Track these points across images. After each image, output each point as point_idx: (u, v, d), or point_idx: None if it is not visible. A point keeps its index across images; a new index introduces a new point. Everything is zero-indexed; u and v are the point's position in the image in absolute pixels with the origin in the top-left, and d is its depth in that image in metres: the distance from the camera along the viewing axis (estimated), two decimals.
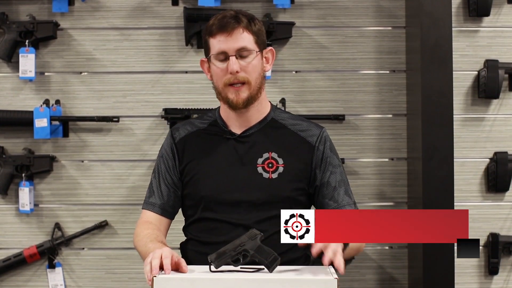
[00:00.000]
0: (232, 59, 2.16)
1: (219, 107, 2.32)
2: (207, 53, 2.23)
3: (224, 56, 2.17)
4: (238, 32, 2.17)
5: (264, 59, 2.24)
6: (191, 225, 2.27)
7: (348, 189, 2.27)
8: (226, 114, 2.26)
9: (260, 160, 2.21)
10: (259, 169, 2.20)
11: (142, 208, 2.33)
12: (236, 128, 2.26)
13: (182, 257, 2.32)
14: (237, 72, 2.16)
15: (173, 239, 2.96)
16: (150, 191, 2.31)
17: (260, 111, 2.26)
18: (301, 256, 2.24)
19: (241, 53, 2.17)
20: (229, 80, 2.17)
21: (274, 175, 2.19)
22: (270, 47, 2.27)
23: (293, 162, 2.22)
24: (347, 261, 3.28)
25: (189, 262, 2.18)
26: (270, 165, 2.21)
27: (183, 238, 2.33)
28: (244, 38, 2.17)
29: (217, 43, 2.18)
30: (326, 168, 2.24)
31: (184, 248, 2.31)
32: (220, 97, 2.22)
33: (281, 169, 2.20)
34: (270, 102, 2.32)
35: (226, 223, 2.19)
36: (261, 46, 2.22)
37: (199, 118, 2.34)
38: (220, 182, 2.20)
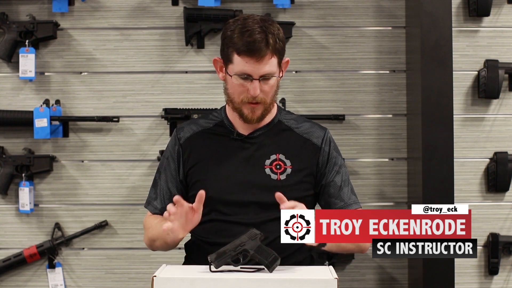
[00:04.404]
0: (255, 83, 2.13)
1: (224, 107, 2.31)
2: (226, 61, 2.18)
3: (247, 77, 2.14)
4: (267, 58, 2.12)
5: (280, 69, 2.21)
6: (198, 226, 2.26)
7: (352, 187, 2.30)
8: (234, 116, 2.26)
9: (267, 162, 2.22)
10: (267, 171, 2.21)
11: (148, 209, 2.33)
12: (243, 129, 2.26)
13: (187, 257, 2.31)
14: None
15: None
16: (154, 192, 2.31)
17: (269, 114, 2.26)
18: (305, 258, 2.24)
19: (264, 77, 2.14)
20: (247, 99, 2.16)
21: (282, 177, 2.20)
22: (287, 59, 2.23)
23: (300, 163, 2.23)
24: (347, 260, 3.30)
25: (194, 263, 2.19)
26: (278, 166, 2.21)
27: (187, 238, 2.32)
28: (271, 64, 2.14)
29: (242, 64, 2.13)
30: (332, 168, 2.26)
31: (189, 249, 2.30)
32: (232, 106, 2.21)
33: (289, 170, 2.21)
34: (276, 103, 2.32)
35: (234, 224, 2.18)
36: (281, 60, 2.19)
37: (204, 118, 2.33)
38: (228, 183, 2.20)
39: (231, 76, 2.16)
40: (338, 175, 2.26)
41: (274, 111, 2.29)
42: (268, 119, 2.27)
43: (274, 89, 2.20)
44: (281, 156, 2.23)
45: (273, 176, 2.20)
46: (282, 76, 2.24)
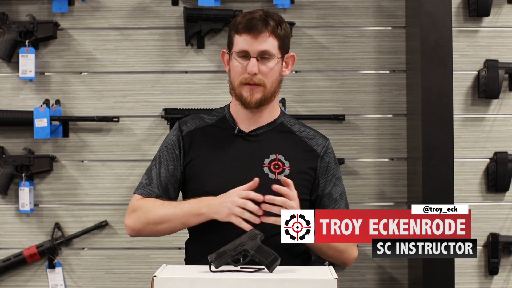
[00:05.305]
0: (253, 60, 2.17)
1: (228, 105, 2.32)
2: (229, 47, 2.24)
3: (246, 55, 2.19)
4: (264, 36, 2.18)
5: (284, 63, 2.25)
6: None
7: (347, 202, 2.32)
8: (236, 111, 2.27)
9: (266, 161, 2.22)
10: (265, 169, 2.21)
11: (136, 193, 2.25)
12: (245, 126, 2.26)
13: (186, 257, 2.31)
14: (255, 74, 2.17)
15: (174, 238, 2.97)
16: (148, 179, 2.26)
17: (271, 113, 2.27)
18: (301, 255, 2.24)
19: (263, 56, 2.18)
20: (245, 79, 2.19)
21: (280, 177, 2.19)
22: (292, 53, 2.28)
23: (299, 166, 2.23)
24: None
25: (193, 263, 2.18)
26: (276, 166, 2.21)
27: (187, 236, 2.31)
28: (269, 43, 2.18)
29: (241, 42, 2.18)
30: (330, 179, 2.27)
31: (188, 248, 2.29)
32: (234, 93, 2.23)
33: (287, 171, 2.21)
34: (281, 108, 2.33)
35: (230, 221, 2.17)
36: (284, 51, 2.24)
37: (207, 114, 2.34)
38: (225, 179, 2.19)
39: (232, 59, 2.20)
40: (335, 188, 2.27)
41: (277, 111, 2.30)
42: (270, 118, 2.27)
43: (275, 75, 2.21)
44: (280, 157, 2.23)
45: (271, 176, 2.19)
46: (287, 71, 2.27)
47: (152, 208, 2.20)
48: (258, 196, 2.07)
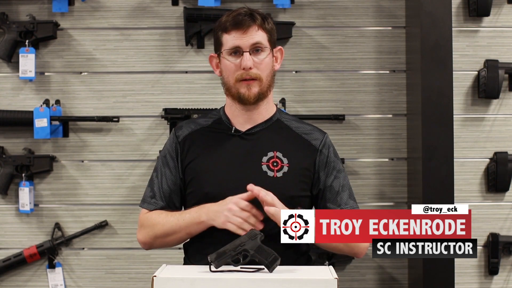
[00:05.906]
0: (246, 55, 2.18)
1: (222, 107, 2.32)
2: (218, 48, 2.24)
3: (238, 52, 2.20)
4: (253, 30, 2.20)
5: (273, 58, 2.26)
6: None
7: (352, 193, 2.29)
8: (232, 111, 2.27)
9: (265, 159, 2.21)
10: (264, 167, 2.20)
11: (143, 207, 2.30)
12: (241, 125, 2.26)
13: (186, 259, 2.31)
14: (250, 68, 2.18)
15: None
16: (152, 191, 2.29)
17: (267, 110, 2.27)
18: (303, 255, 2.24)
19: (255, 49, 2.19)
20: (241, 75, 2.19)
21: (279, 174, 2.19)
22: (279, 46, 2.30)
23: (298, 162, 2.22)
24: (347, 260, 3.31)
25: (192, 263, 2.19)
26: (275, 163, 2.21)
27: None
28: (259, 35, 2.20)
29: (231, 39, 2.20)
30: (331, 172, 2.25)
31: (187, 250, 2.30)
32: (229, 93, 2.23)
33: (285, 168, 2.21)
34: (276, 106, 2.33)
35: None
36: (273, 45, 2.26)
37: (202, 117, 2.34)
38: (224, 179, 2.20)
39: (223, 59, 2.21)
40: (336, 180, 2.25)
41: (272, 108, 2.29)
42: (266, 115, 2.27)
43: (269, 68, 2.22)
44: (279, 154, 2.22)
45: (270, 173, 2.19)
46: (277, 65, 2.27)
47: (157, 222, 2.23)
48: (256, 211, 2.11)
